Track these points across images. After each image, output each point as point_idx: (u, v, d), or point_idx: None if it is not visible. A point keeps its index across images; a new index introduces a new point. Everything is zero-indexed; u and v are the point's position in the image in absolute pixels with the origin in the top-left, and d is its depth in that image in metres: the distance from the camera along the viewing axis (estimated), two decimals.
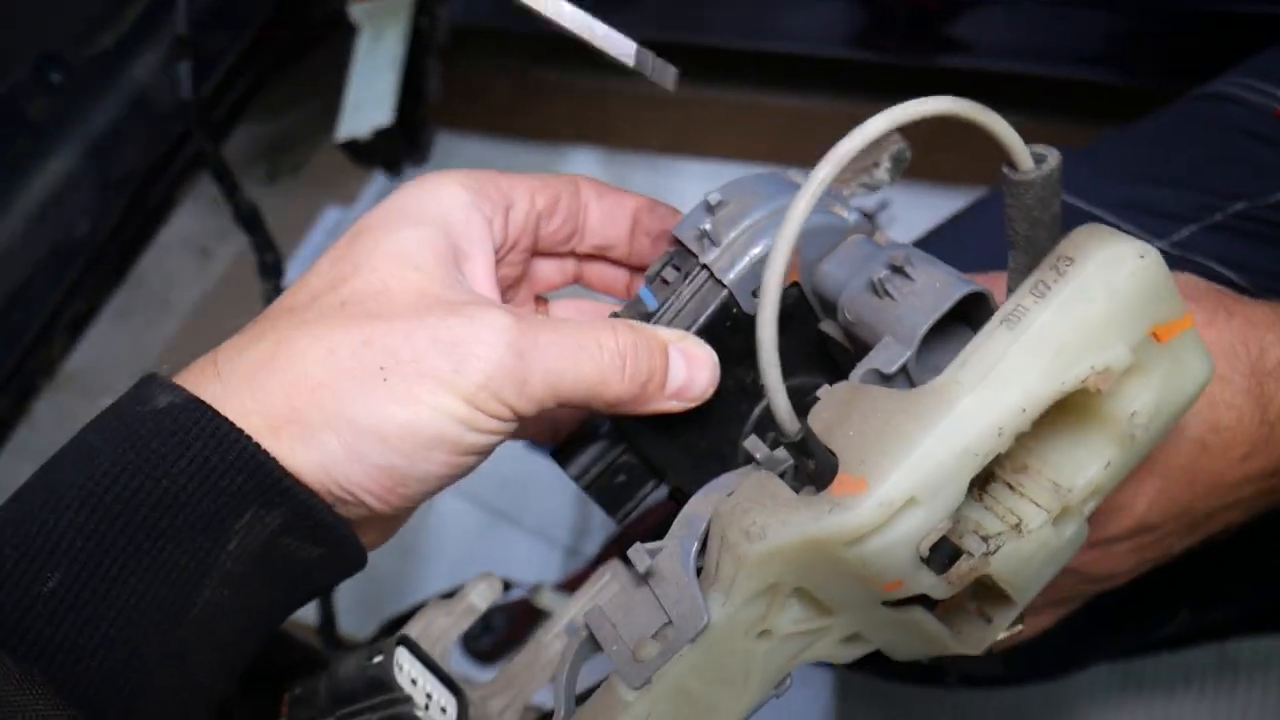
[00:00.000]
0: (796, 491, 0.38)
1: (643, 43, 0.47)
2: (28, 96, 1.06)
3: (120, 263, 1.18)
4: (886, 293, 0.41)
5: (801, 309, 0.47)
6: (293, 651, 0.51)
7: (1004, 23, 1.19)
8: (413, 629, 0.53)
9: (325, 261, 0.43)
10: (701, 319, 0.46)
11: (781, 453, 0.39)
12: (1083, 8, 1.14)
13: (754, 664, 0.41)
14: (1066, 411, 0.40)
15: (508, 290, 0.50)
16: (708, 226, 0.45)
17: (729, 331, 0.46)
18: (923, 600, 0.38)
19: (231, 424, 0.38)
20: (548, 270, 0.52)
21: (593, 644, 0.43)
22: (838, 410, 0.38)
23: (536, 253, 0.51)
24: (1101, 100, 1.24)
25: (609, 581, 0.49)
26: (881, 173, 0.50)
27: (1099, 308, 0.36)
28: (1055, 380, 0.36)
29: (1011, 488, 0.40)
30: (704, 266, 0.46)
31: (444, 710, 0.46)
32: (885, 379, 0.40)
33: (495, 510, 1.29)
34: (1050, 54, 1.20)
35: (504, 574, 1.29)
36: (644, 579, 0.41)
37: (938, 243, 0.81)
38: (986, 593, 0.41)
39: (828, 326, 0.46)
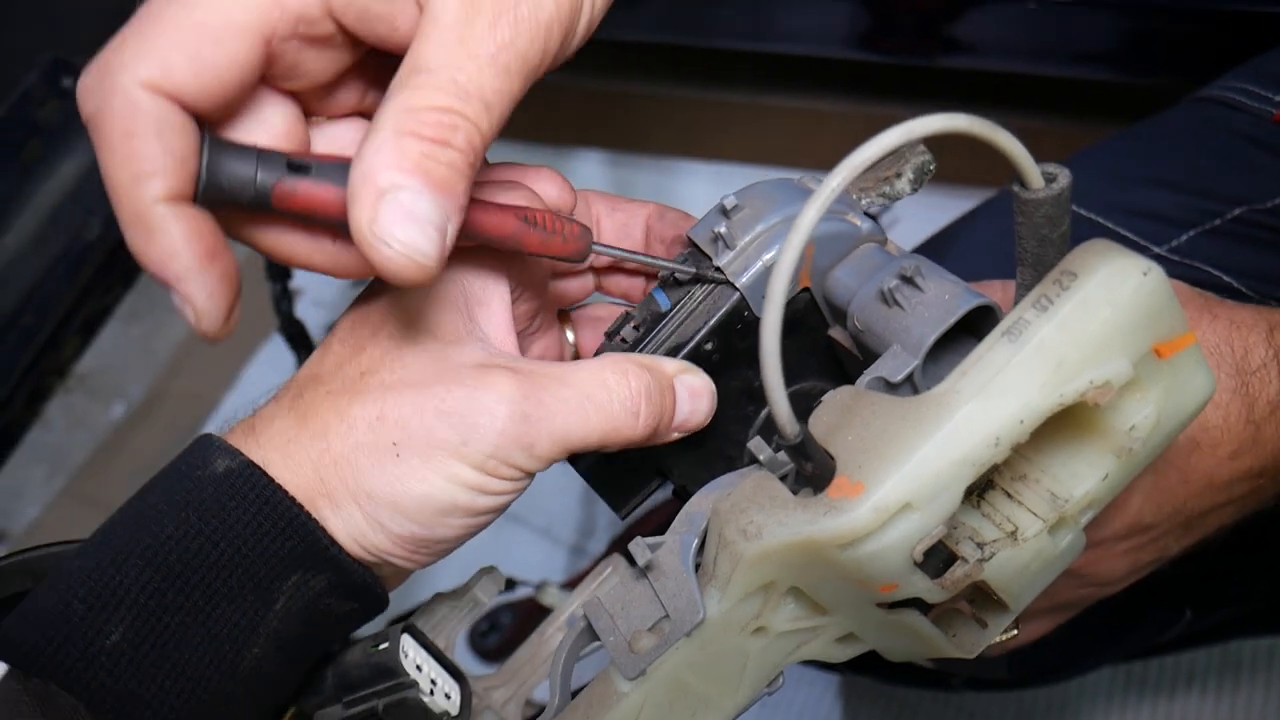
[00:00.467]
0: (797, 494, 0.38)
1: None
2: (39, 101, 1.07)
3: (131, 265, 1.19)
4: (896, 302, 0.41)
5: (812, 314, 0.47)
6: None
7: (1007, 23, 1.19)
8: (418, 619, 0.53)
9: (346, 325, 0.45)
10: (712, 321, 0.46)
11: (785, 455, 0.40)
12: (1085, 7, 1.14)
13: (748, 660, 0.42)
14: (1066, 423, 0.40)
15: (531, 320, 0.50)
16: (723, 230, 0.46)
17: (739, 334, 0.47)
18: (918, 604, 0.39)
19: (284, 492, 0.40)
20: (568, 287, 0.53)
21: (590, 635, 0.44)
22: (838, 415, 0.38)
23: (555, 275, 0.51)
24: (1105, 100, 1.24)
25: (610, 575, 0.50)
26: (903, 183, 0.49)
27: (1101, 323, 0.36)
28: (1054, 393, 0.36)
29: (1009, 496, 0.41)
30: (718, 269, 0.46)
31: (448, 697, 0.47)
32: (891, 387, 0.41)
33: None
34: (1053, 54, 1.20)
35: (510, 572, 1.29)
36: (644, 573, 0.42)
37: (944, 245, 0.81)
38: (982, 598, 0.42)
39: (837, 333, 0.47)
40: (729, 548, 0.39)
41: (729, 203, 0.47)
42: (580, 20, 0.40)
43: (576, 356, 0.54)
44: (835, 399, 0.39)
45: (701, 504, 0.42)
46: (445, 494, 0.41)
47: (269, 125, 0.40)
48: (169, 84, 0.36)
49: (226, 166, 0.38)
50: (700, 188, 1.44)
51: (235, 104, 0.39)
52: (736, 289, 0.46)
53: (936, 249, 0.81)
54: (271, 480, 0.40)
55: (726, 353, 0.47)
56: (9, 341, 1.10)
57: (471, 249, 0.44)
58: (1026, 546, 0.39)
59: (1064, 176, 0.37)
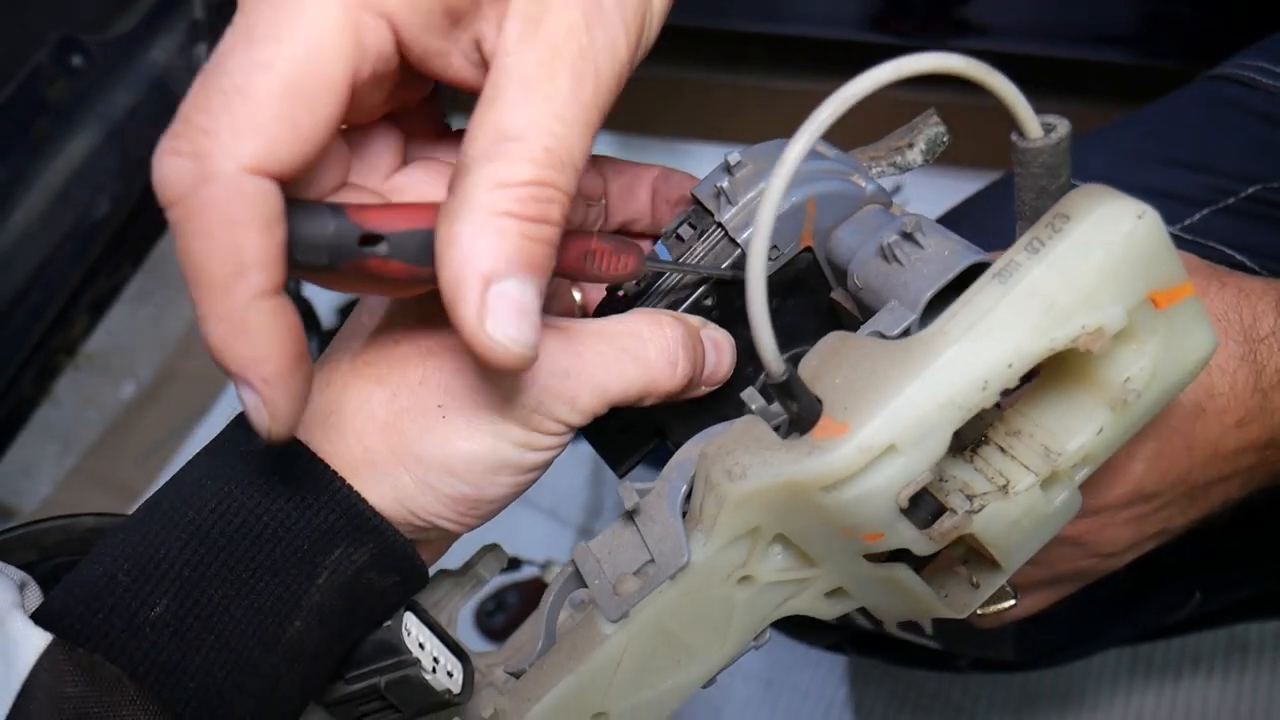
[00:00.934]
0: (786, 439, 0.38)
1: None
2: (49, 80, 1.08)
3: (139, 245, 1.20)
4: (895, 258, 0.41)
5: (814, 276, 0.47)
6: None
7: (1020, 5, 1.19)
8: (420, 596, 0.53)
9: (375, 297, 0.45)
10: (713, 275, 0.46)
11: (777, 406, 0.39)
12: None
13: (735, 610, 0.41)
14: (1061, 375, 0.40)
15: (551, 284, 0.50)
16: (725, 185, 0.46)
17: (738, 291, 0.46)
18: (910, 560, 0.39)
19: (326, 465, 0.40)
20: None
21: (579, 580, 0.44)
22: (827, 359, 0.38)
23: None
24: (1120, 81, 1.23)
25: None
26: (915, 154, 0.48)
27: (1093, 266, 0.35)
28: (1045, 337, 0.35)
29: (1003, 451, 0.40)
30: (719, 225, 0.46)
31: (450, 674, 0.47)
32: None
33: None
34: (1067, 35, 1.20)
35: (517, 553, 1.30)
36: (631, 517, 0.42)
37: (954, 224, 0.80)
38: (976, 558, 0.41)
39: (839, 295, 0.47)
40: (714, 490, 0.38)
41: (732, 159, 0.47)
42: (636, 63, 0.38)
43: (584, 313, 0.53)
44: (825, 344, 0.39)
45: (691, 451, 0.42)
46: (493, 452, 0.41)
47: (329, 170, 0.38)
48: (274, 163, 0.32)
49: (302, 237, 0.35)
50: (709, 170, 1.43)
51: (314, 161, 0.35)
52: (738, 245, 0.46)
53: (946, 227, 0.80)
54: (313, 455, 0.40)
55: (726, 309, 0.47)
56: (17, 319, 1.11)
57: None
58: (1018, 500, 0.38)
59: (1063, 126, 0.37)
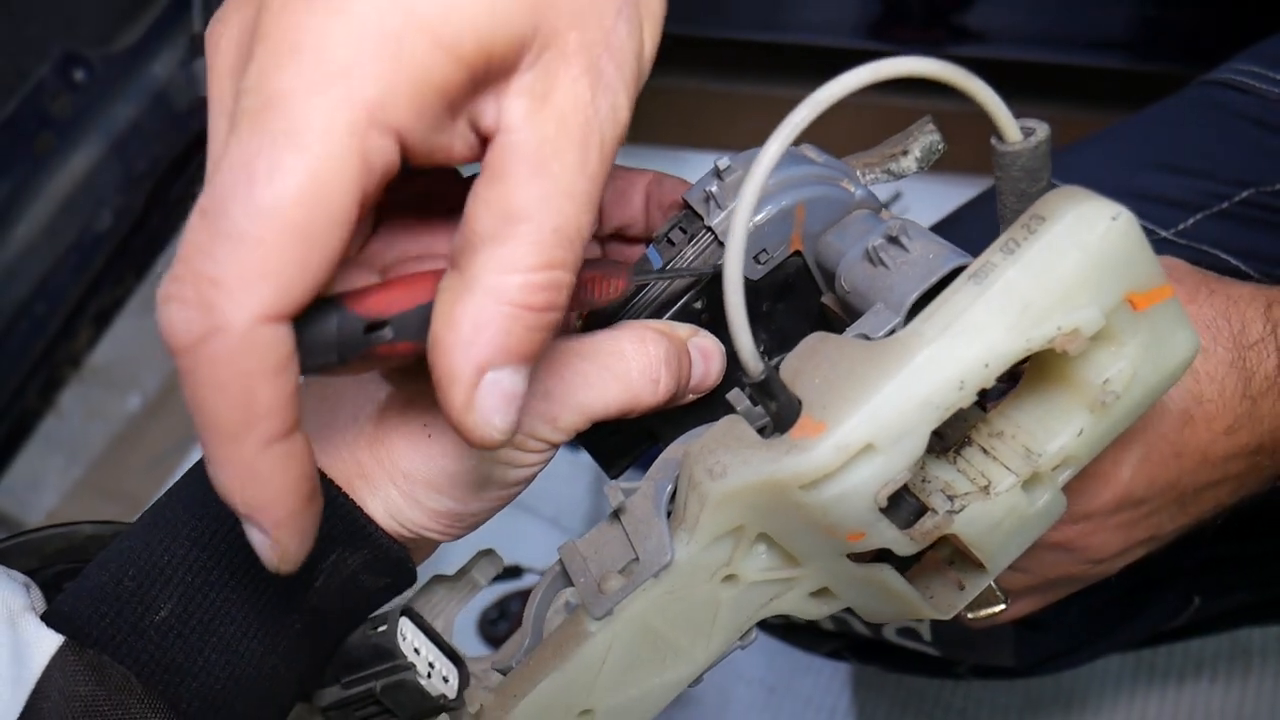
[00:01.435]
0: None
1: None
2: (51, 94, 1.09)
3: (142, 256, 1.21)
4: (881, 262, 0.41)
5: (803, 280, 0.47)
6: None
7: (1016, 12, 1.19)
8: (416, 601, 0.54)
9: None
10: (701, 278, 0.46)
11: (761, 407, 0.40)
12: None
13: (720, 610, 0.42)
14: (1041, 376, 0.40)
15: None
16: (714, 189, 0.46)
17: None
18: (894, 562, 0.39)
19: (324, 475, 0.41)
20: None
21: (566, 578, 0.45)
22: (807, 359, 0.38)
23: None
24: (1116, 86, 1.23)
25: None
26: (910, 161, 0.49)
27: (1068, 267, 0.35)
28: (1020, 337, 0.35)
29: (986, 452, 0.40)
30: (708, 229, 0.46)
31: (445, 680, 0.47)
32: None
33: None
34: (1064, 41, 1.20)
35: (520, 561, 1.29)
36: (617, 516, 0.43)
37: (948, 231, 0.81)
38: (961, 560, 0.41)
39: (829, 299, 0.47)
40: (696, 489, 0.39)
41: (722, 164, 0.47)
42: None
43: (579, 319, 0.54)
44: (805, 345, 0.39)
45: (676, 451, 0.43)
46: (477, 470, 0.42)
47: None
48: (286, 305, 0.31)
49: (309, 342, 0.33)
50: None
51: None
52: None
53: (940, 234, 0.81)
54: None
55: (716, 311, 0.47)
56: (21, 331, 1.12)
57: None
58: (999, 501, 0.38)
59: (1042, 130, 0.37)
